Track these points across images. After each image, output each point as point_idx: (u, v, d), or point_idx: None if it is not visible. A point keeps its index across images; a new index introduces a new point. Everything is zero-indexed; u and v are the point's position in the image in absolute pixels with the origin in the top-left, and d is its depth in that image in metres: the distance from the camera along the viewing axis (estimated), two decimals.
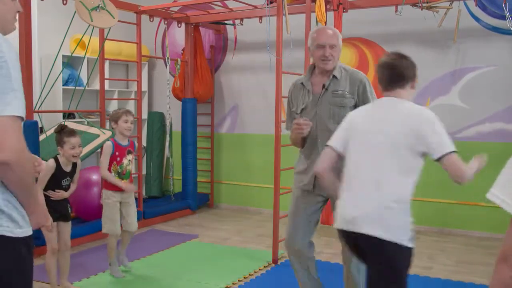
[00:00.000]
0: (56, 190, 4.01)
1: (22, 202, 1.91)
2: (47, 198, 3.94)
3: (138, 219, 6.48)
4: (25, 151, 1.82)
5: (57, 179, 4.02)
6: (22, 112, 1.80)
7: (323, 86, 3.37)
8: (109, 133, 5.83)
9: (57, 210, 3.99)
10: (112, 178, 4.45)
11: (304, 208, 3.43)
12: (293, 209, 3.48)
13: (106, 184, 4.53)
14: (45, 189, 3.98)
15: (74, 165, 4.15)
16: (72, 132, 4.07)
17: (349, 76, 3.37)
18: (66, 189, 4.09)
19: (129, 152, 4.59)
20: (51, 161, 4.00)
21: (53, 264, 4.05)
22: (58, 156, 4.05)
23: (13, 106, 1.76)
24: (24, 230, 1.89)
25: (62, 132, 4.03)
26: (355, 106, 3.28)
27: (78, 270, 4.67)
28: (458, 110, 6.33)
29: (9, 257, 1.85)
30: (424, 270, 4.93)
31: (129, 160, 4.59)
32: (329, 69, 3.37)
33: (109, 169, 4.47)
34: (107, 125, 6.89)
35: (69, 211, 4.21)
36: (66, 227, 4.13)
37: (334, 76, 3.36)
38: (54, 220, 3.90)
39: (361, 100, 3.31)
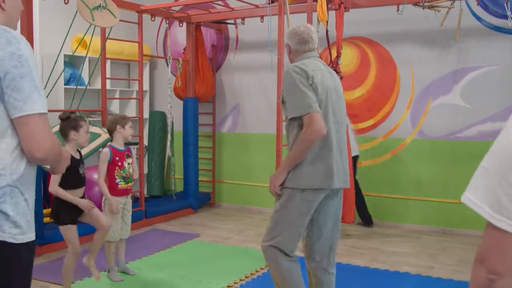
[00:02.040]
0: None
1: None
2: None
3: (140, 218, 6.55)
4: (56, 142, 1.94)
5: (75, 168, 3.92)
6: (46, 108, 1.91)
7: None
8: None
9: (79, 208, 3.98)
10: (105, 189, 4.38)
11: None
12: None
13: (111, 190, 4.46)
14: (66, 180, 3.90)
15: (80, 153, 4.09)
16: (83, 117, 4.07)
17: None
18: (84, 177, 4.04)
19: (128, 156, 4.55)
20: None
21: (73, 266, 4.02)
22: (66, 146, 3.95)
23: (40, 103, 1.86)
24: (27, 236, 1.92)
25: (77, 117, 3.99)
26: (283, 101, 3.21)
27: (81, 269, 4.65)
28: (460, 110, 6.32)
29: (11, 262, 1.89)
30: (426, 270, 4.94)
31: (129, 164, 4.56)
32: None
33: (113, 176, 4.44)
34: None
35: None
36: (97, 210, 4.09)
37: None
38: (77, 218, 3.95)
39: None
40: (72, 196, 3.90)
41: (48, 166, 2.21)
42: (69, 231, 3.94)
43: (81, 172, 4.01)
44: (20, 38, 1.87)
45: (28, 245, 1.94)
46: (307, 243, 3.38)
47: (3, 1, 2.00)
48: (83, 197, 4.05)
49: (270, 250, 3.27)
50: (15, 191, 1.88)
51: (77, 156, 4.01)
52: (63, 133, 3.95)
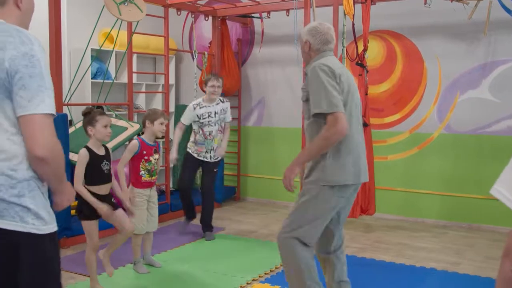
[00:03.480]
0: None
1: (53, 189, 2.02)
2: (92, 193, 3.87)
3: (166, 211, 6.60)
4: (58, 146, 1.92)
5: (96, 165, 3.91)
6: (54, 110, 1.90)
7: None
8: (137, 126, 5.88)
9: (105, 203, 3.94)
10: (122, 177, 4.37)
11: None
12: None
13: (135, 182, 4.50)
14: (87, 176, 3.88)
15: (106, 149, 4.06)
16: (103, 112, 4.03)
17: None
18: (108, 174, 3.99)
19: (155, 152, 4.56)
20: (83, 151, 3.88)
21: (94, 260, 4.04)
22: (87, 144, 3.94)
23: (46, 104, 1.86)
24: (49, 227, 1.96)
25: (93, 111, 3.95)
26: (307, 99, 3.20)
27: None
28: (488, 104, 6.22)
29: (36, 253, 1.92)
30: (453, 266, 4.88)
31: (155, 159, 4.57)
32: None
33: (138, 168, 4.46)
34: (135, 118, 6.96)
35: (114, 202, 4.08)
36: (120, 212, 4.04)
37: (306, 73, 3.34)
38: (99, 214, 3.90)
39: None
40: (93, 198, 3.85)
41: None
42: (90, 226, 3.95)
43: (104, 168, 3.96)
44: (33, 39, 1.89)
45: (52, 236, 1.97)
46: (324, 234, 3.41)
47: (20, 1, 2.03)
48: (109, 194, 4.02)
49: (289, 242, 3.25)
50: (32, 185, 1.91)
51: (100, 152, 3.97)
52: (84, 129, 3.96)
